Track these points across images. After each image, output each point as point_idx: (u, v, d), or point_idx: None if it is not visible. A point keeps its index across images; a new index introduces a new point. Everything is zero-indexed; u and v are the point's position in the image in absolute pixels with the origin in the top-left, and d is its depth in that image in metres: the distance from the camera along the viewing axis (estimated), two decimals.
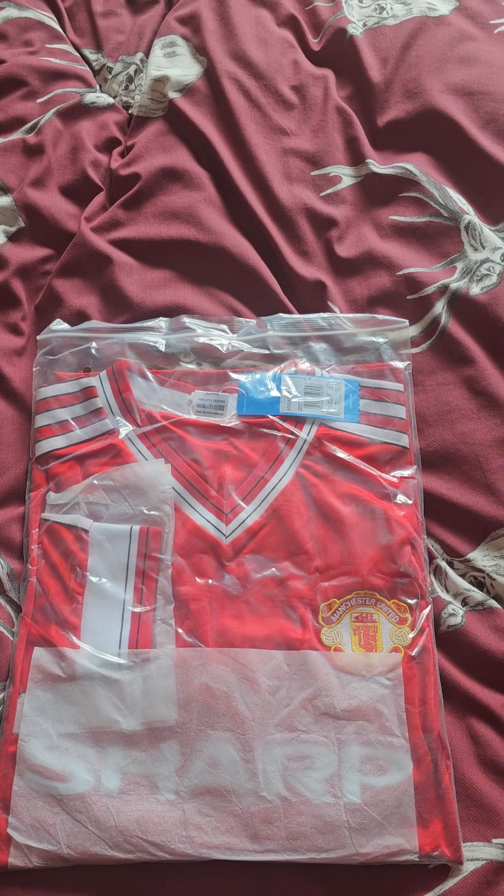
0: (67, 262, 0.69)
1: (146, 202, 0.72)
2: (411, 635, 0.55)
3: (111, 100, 0.79)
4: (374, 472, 0.60)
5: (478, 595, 0.58)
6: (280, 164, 0.73)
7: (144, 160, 0.73)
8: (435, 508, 0.61)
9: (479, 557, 0.59)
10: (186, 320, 0.66)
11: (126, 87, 0.81)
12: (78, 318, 0.67)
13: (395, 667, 0.53)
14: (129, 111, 0.79)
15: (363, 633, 0.55)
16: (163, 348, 0.64)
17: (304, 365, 0.64)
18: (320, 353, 0.65)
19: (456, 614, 0.57)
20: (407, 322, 0.66)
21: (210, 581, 0.56)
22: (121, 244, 0.70)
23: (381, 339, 0.65)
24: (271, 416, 0.62)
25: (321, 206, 0.72)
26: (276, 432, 0.61)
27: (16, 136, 0.76)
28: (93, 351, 0.64)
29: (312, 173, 0.74)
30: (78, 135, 0.75)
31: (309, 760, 0.50)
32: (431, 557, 0.59)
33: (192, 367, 0.64)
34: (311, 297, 0.69)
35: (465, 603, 0.58)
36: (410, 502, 0.59)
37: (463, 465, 0.62)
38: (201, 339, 0.65)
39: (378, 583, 0.56)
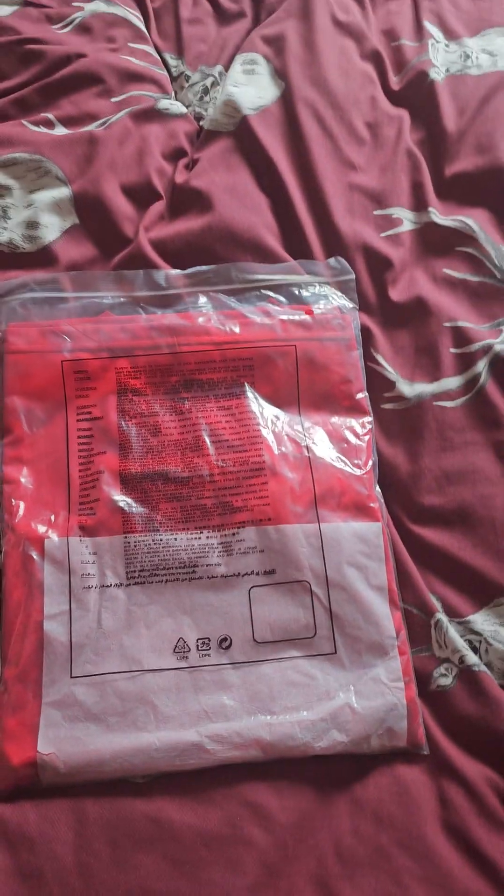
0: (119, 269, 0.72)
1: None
2: None
3: (184, 109, 0.83)
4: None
5: (472, 658, 0.60)
6: (345, 198, 0.77)
7: (208, 176, 0.76)
8: (442, 566, 0.64)
9: (480, 621, 0.62)
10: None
11: (201, 98, 0.84)
12: None
13: None
14: (200, 123, 0.83)
15: None
16: None
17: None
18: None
19: (447, 675, 0.60)
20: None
21: None
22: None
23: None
24: None
25: (381, 245, 0.75)
26: None
27: (84, 129, 0.79)
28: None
29: (375, 212, 0.77)
30: (147, 138, 0.79)
31: None
32: (432, 611, 0.62)
33: None
34: None
35: (460, 661, 0.60)
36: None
37: (478, 527, 0.65)
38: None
39: None
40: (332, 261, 0.73)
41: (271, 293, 0.70)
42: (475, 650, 0.61)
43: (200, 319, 0.67)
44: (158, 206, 0.76)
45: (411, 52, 0.87)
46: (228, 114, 0.80)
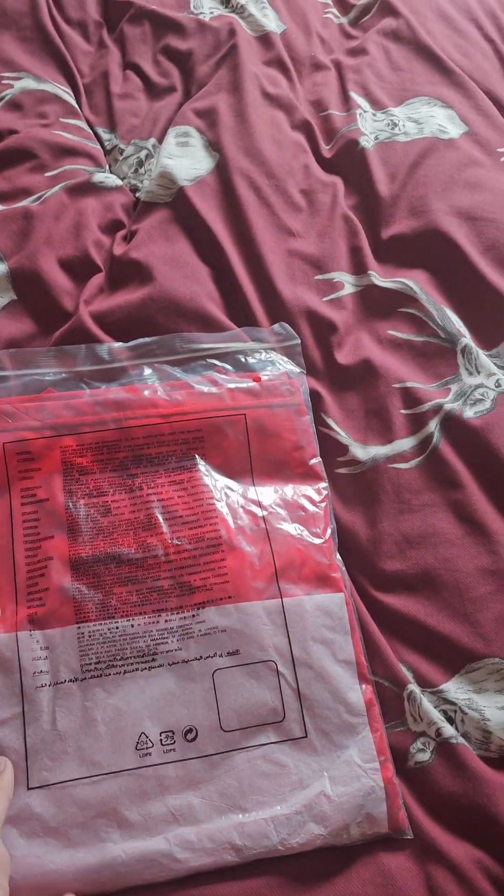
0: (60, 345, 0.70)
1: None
2: None
3: (119, 182, 0.82)
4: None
5: (448, 730, 0.58)
6: (285, 264, 0.77)
7: (146, 247, 0.75)
8: (410, 634, 0.62)
9: (453, 689, 0.60)
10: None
11: (135, 171, 0.84)
12: None
13: None
14: (136, 195, 0.82)
15: None
16: None
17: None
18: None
19: (425, 750, 0.57)
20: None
21: None
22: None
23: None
24: None
25: (324, 309, 0.75)
26: None
27: (19, 205, 0.78)
28: None
29: (316, 277, 0.77)
30: (83, 212, 0.78)
31: None
32: (404, 683, 0.60)
33: None
34: None
35: (437, 734, 0.58)
36: None
37: (443, 591, 0.63)
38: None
39: None
40: (276, 327, 0.72)
41: (217, 362, 0.69)
42: (451, 721, 0.59)
43: (146, 392, 0.65)
44: (97, 279, 0.75)
45: (340, 121, 0.89)
46: (164, 185, 0.80)
